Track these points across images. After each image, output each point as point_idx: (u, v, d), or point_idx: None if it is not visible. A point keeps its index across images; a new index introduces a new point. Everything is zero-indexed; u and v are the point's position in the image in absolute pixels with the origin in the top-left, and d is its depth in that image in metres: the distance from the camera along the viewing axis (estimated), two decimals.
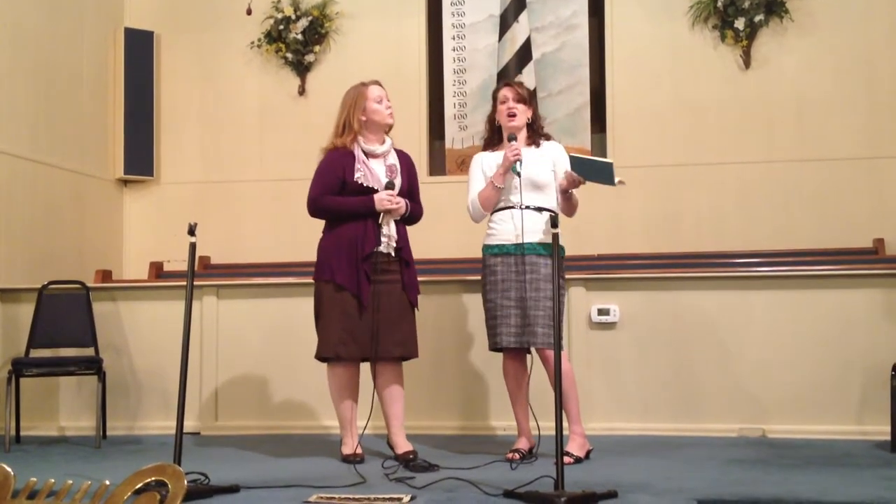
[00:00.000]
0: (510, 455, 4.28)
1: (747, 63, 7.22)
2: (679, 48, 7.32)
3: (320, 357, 4.30)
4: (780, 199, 7.09)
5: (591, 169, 4.18)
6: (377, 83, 4.38)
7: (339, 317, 4.20)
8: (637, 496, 3.33)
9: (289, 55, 7.66)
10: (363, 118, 4.31)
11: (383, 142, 4.37)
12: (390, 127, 4.41)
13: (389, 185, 4.25)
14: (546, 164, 4.34)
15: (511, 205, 4.30)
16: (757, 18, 7.13)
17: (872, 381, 4.97)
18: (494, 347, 4.37)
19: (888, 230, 6.86)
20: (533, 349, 4.32)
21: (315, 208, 4.31)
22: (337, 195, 4.26)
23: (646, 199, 7.19)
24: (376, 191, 4.24)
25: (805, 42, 7.14)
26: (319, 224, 4.41)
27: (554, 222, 3.77)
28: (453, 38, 7.65)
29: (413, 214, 4.38)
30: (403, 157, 4.46)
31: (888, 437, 4.58)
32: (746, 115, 7.19)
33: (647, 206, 7.20)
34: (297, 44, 7.63)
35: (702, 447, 4.69)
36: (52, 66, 6.86)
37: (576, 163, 4.20)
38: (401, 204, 4.25)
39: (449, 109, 7.59)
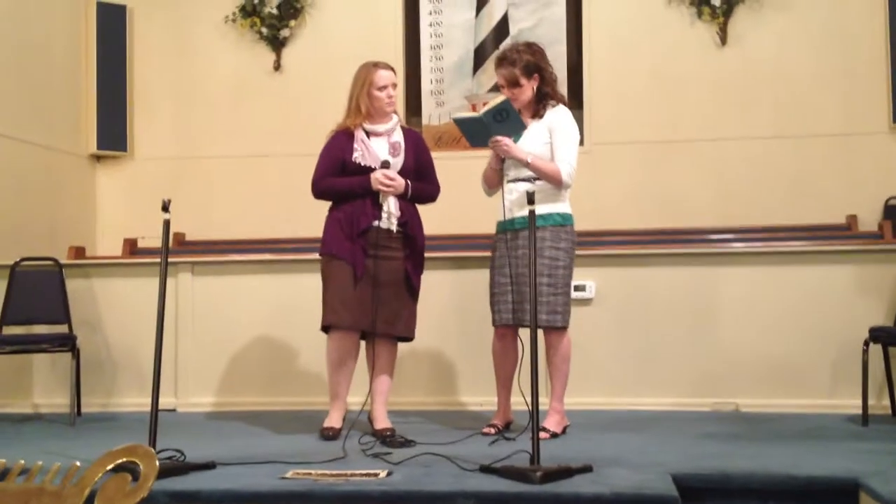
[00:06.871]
0: (486, 430, 4.29)
1: (724, 40, 7.23)
2: (656, 25, 7.31)
3: (322, 326, 4.32)
4: (756, 175, 7.13)
5: (482, 126, 4.08)
6: (388, 68, 4.32)
7: (335, 287, 4.23)
8: (612, 470, 3.35)
9: (264, 30, 7.58)
10: (368, 101, 4.28)
11: (389, 120, 4.34)
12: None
13: (385, 164, 4.23)
14: (540, 135, 4.26)
15: (508, 180, 4.28)
16: None
17: (845, 356, 5.02)
18: (494, 324, 4.37)
19: (861, 206, 6.92)
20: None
21: (317, 190, 4.33)
22: (339, 176, 4.26)
23: (622, 175, 7.21)
24: (375, 169, 4.23)
25: (781, 19, 7.16)
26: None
27: (530, 198, 3.65)
28: (430, 14, 7.59)
29: (420, 194, 4.34)
30: (410, 134, 4.44)
31: (860, 411, 4.64)
32: (723, 91, 7.21)
33: (623, 183, 7.21)
34: (272, 18, 7.55)
35: (676, 422, 4.73)
36: (23, 41, 6.75)
37: (468, 133, 4.12)
38: (396, 182, 4.22)
39: (426, 85, 7.54)
